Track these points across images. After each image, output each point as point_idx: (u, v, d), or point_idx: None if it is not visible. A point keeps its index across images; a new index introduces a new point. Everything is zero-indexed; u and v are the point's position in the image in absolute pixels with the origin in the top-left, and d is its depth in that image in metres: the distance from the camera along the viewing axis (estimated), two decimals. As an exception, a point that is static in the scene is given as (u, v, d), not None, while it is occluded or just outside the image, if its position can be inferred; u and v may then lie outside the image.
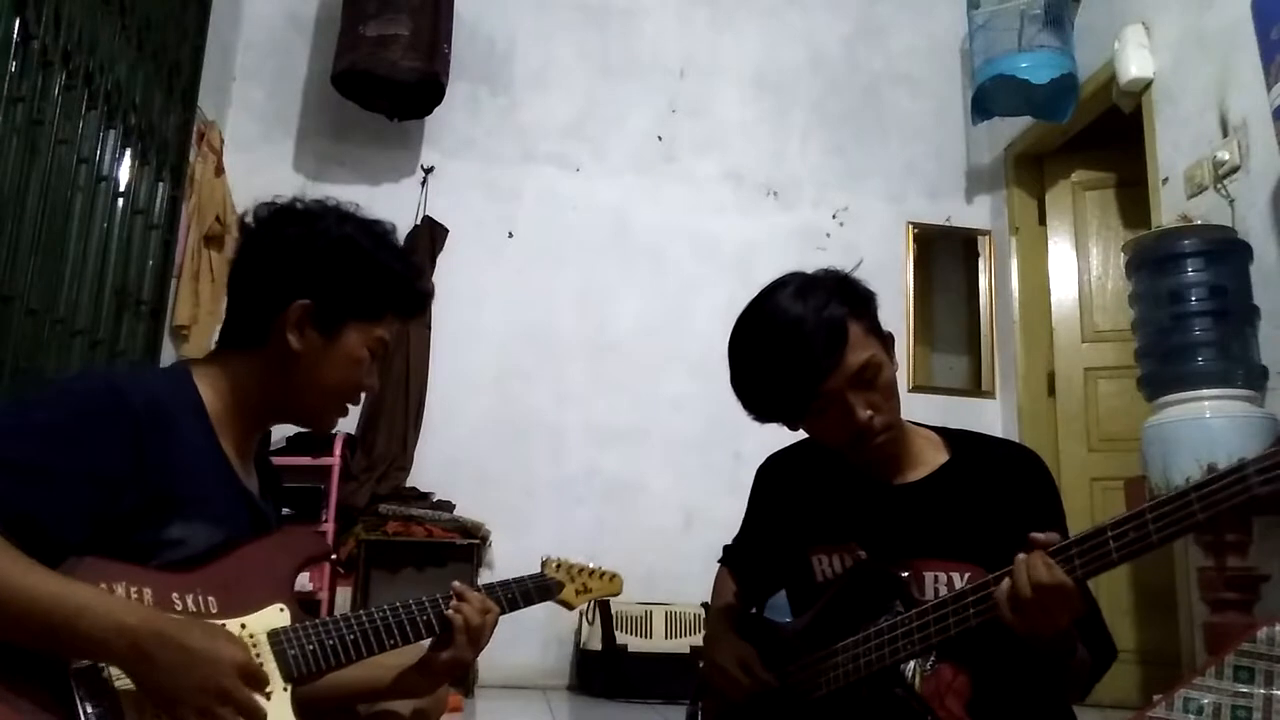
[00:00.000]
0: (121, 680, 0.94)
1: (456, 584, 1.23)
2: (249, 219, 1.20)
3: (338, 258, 1.16)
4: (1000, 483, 1.28)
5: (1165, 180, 3.38)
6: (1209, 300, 2.79)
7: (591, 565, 1.44)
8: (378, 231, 1.22)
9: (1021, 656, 1.11)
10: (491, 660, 3.39)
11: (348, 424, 3.75)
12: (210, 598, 1.04)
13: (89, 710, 0.90)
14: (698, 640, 3.54)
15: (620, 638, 3.54)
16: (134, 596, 0.98)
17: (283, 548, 1.17)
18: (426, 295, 1.28)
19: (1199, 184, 3.18)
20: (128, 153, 2.99)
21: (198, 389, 1.14)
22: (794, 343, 1.20)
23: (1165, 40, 3.42)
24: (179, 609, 1.01)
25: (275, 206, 1.20)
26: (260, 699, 0.99)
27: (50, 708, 0.89)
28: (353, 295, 1.17)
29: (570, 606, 1.42)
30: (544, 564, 1.40)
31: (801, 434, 1.36)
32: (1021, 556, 1.05)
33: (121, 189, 2.95)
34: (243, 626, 1.06)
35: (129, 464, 1.00)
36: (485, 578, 3.74)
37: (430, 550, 3.69)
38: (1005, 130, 4.37)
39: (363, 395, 1.24)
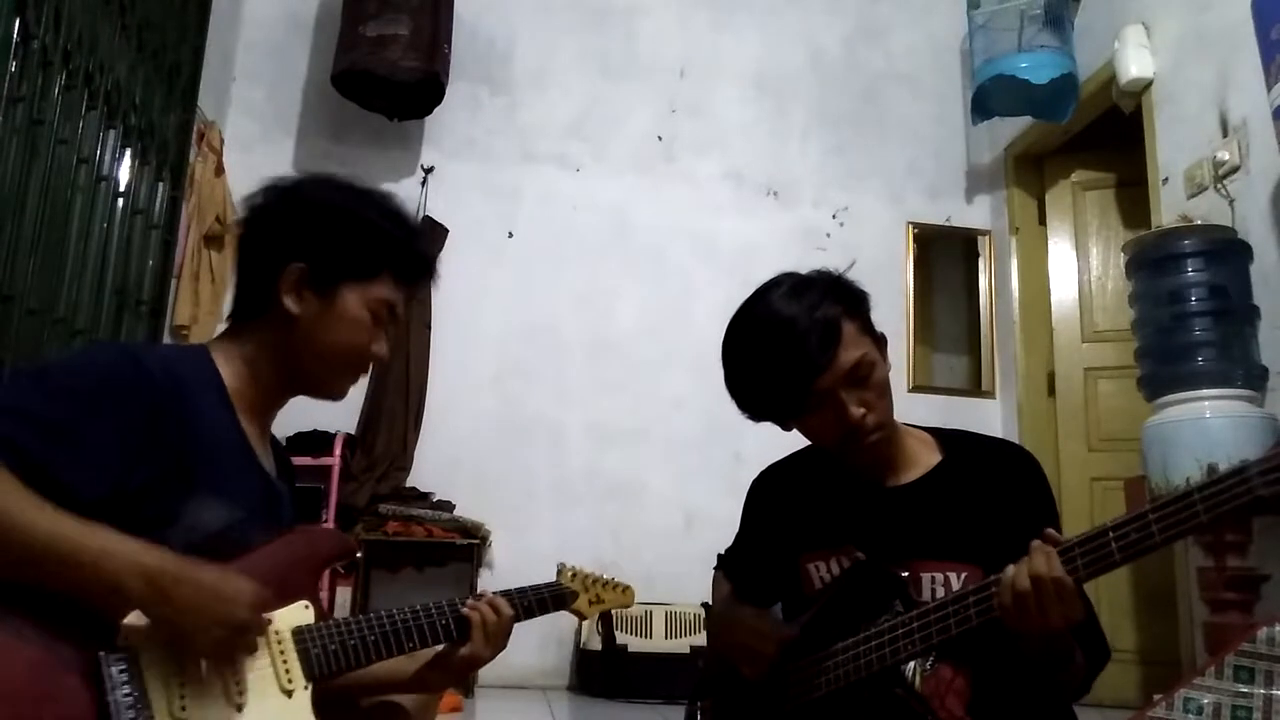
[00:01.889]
0: (150, 669, 0.94)
1: (480, 591, 1.26)
2: (251, 198, 1.22)
3: (326, 218, 1.18)
4: (994, 482, 1.28)
5: (1165, 180, 3.38)
6: (1209, 300, 2.79)
7: (605, 576, 1.44)
8: (367, 193, 1.23)
9: (1019, 656, 1.11)
10: (491, 660, 3.38)
11: (348, 424, 3.75)
12: None
13: (118, 696, 0.90)
14: (698, 640, 3.54)
15: (620, 638, 3.54)
16: None
17: (308, 545, 1.18)
18: (424, 256, 1.27)
19: (1199, 184, 3.19)
20: (128, 153, 2.99)
21: (216, 367, 1.14)
22: (788, 341, 1.20)
23: (1165, 40, 3.42)
24: None
25: (270, 180, 1.22)
26: (266, 698, 1.00)
27: (79, 689, 0.89)
28: (344, 254, 1.17)
29: (583, 617, 1.43)
30: (559, 572, 1.40)
31: (794, 439, 1.36)
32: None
33: (121, 189, 2.95)
34: (269, 622, 1.06)
35: (146, 433, 1.00)
36: (485, 577, 3.75)
37: (430, 550, 3.69)
38: (1005, 130, 4.37)
39: (372, 364, 1.23)
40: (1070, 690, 1.20)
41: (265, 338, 1.17)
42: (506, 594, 1.28)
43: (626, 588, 1.46)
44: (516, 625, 1.28)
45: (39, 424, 0.94)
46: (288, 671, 1.06)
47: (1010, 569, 1.06)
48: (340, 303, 1.17)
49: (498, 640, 1.22)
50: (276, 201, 1.20)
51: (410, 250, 1.24)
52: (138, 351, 1.06)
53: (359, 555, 3.56)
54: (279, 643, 1.06)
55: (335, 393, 1.23)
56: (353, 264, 1.17)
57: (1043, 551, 1.04)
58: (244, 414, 1.15)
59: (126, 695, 0.91)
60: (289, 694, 1.04)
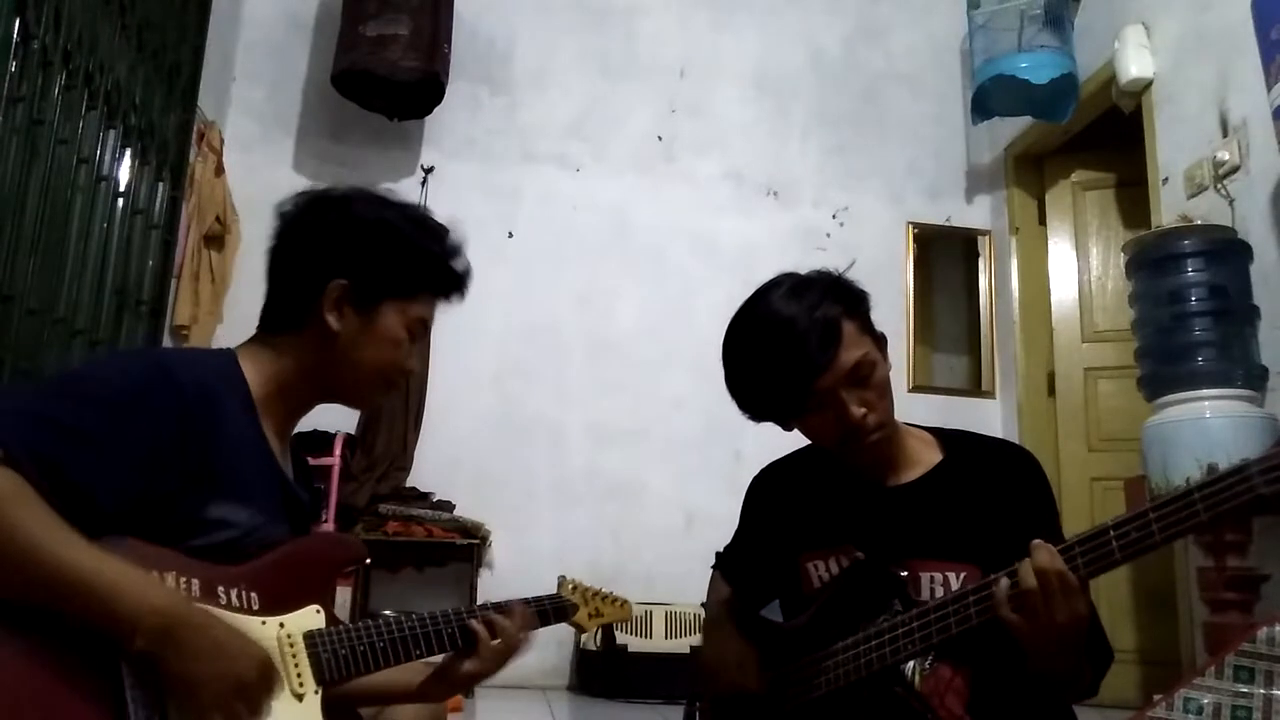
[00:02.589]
0: None
1: (484, 603, 1.28)
2: (286, 206, 1.22)
3: (374, 237, 1.18)
4: (994, 481, 1.28)
5: (1165, 180, 3.38)
6: (1209, 300, 2.79)
7: (605, 591, 1.46)
8: (413, 213, 1.24)
9: (1019, 655, 1.11)
10: (491, 660, 3.38)
11: (348, 424, 3.75)
12: (253, 593, 1.05)
13: (134, 696, 0.90)
14: (698, 640, 3.53)
15: (620, 638, 3.54)
16: (182, 586, 0.98)
17: (322, 550, 1.19)
18: (463, 275, 1.29)
19: (1199, 184, 3.19)
20: (128, 153, 2.99)
21: (243, 374, 1.14)
22: (788, 342, 1.21)
23: (1165, 40, 3.43)
24: (223, 602, 1.01)
25: (311, 193, 1.23)
26: (277, 702, 1.00)
27: (98, 688, 0.89)
28: (389, 274, 1.18)
29: (582, 629, 1.45)
30: (560, 584, 1.43)
31: (794, 439, 1.36)
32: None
33: (121, 189, 2.95)
34: (281, 625, 1.06)
35: (174, 441, 1.00)
36: (485, 578, 3.74)
37: (430, 550, 3.69)
38: (1005, 130, 4.37)
39: (406, 377, 1.25)
40: (1074, 693, 1.20)
41: (300, 351, 1.17)
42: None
43: (624, 602, 1.48)
44: None
45: (68, 433, 0.93)
46: (299, 675, 1.06)
47: (1005, 579, 1.06)
48: (381, 321, 1.18)
49: (504, 654, 1.24)
50: (324, 216, 1.20)
51: (450, 270, 1.26)
52: (169, 363, 1.06)
53: (359, 555, 3.56)
54: (291, 646, 1.06)
55: (366, 404, 1.25)
56: (395, 283, 1.19)
57: (1045, 548, 1.04)
58: (268, 421, 1.15)
59: (144, 695, 0.91)
60: (300, 698, 1.05)
